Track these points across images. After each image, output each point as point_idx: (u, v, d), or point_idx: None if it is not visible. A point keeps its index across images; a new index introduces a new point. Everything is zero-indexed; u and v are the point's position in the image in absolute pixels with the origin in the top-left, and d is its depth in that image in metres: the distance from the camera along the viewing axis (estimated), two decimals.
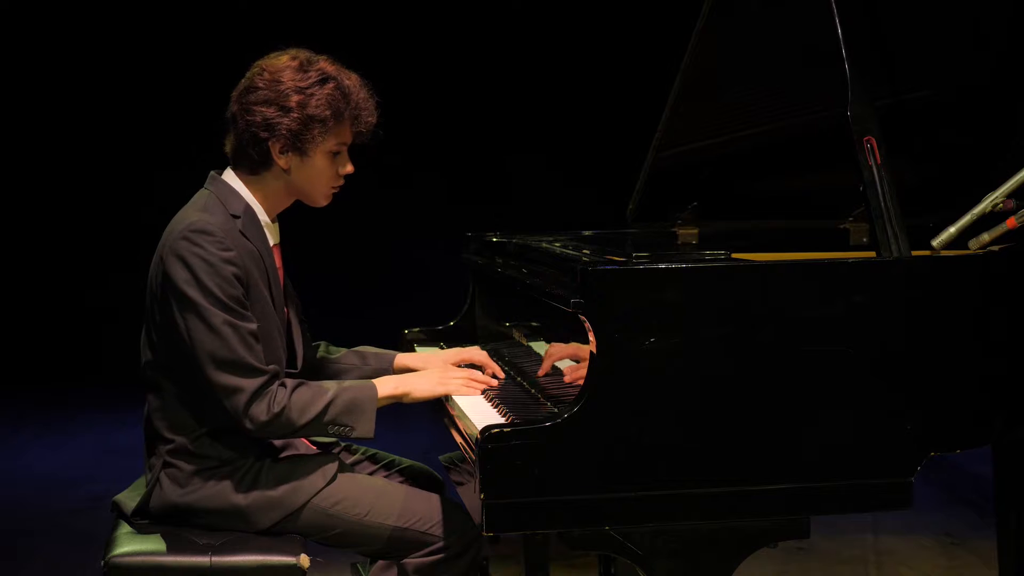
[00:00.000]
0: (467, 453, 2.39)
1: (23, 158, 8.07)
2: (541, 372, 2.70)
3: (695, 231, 3.18)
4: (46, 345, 8.04)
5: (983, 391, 2.37)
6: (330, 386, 2.52)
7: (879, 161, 2.38)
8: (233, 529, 2.54)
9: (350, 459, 2.82)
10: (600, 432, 2.17)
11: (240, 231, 2.53)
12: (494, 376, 2.79)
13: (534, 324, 2.96)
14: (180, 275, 2.43)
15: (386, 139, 2.68)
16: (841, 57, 2.44)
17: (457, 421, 2.53)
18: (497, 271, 3.08)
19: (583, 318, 2.20)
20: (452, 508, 2.62)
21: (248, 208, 2.57)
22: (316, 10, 7.87)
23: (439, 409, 2.72)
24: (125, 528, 2.58)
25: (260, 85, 2.52)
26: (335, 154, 2.59)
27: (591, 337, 2.19)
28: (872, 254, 2.38)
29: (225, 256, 2.45)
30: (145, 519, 2.58)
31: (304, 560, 2.48)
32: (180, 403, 2.54)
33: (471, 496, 2.32)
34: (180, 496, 2.53)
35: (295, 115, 2.50)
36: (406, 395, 2.60)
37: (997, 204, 2.40)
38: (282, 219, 2.69)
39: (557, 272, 2.48)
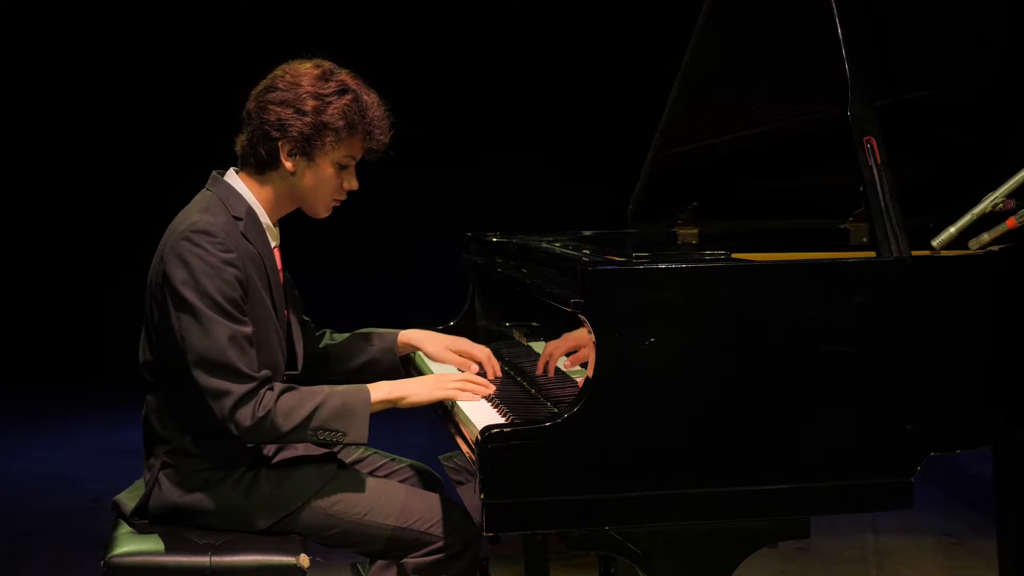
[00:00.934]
0: (467, 453, 2.39)
1: (23, 158, 8.07)
2: (539, 371, 2.69)
3: (695, 231, 3.18)
4: (46, 345, 8.03)
5: (983, 391, 2.37)
6: (320, 391, 2.49)
7: (879, 161, 2.37)
8: (233, 529, 2.54)
9: (349, 459, 2.82)
10: (600, 432, 2.17)
11: (242, 233, 2.53)
12: (492, 375, 2.78)
13: (534, 324, 2.96)
14: (178, 275, 2.43)
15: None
16: (841, 57, 2.44)
17: (457, 421, 2.53)
18: (497, 271, 3.07)
19: (583, 318, 2.20)
20: (451, 508, 2.62)
21: (250, 210, 2.57)
22: (319, 11, 7.88)
23: (439, 409, 2.71)
24: (125, 528, 2.58)
25: (280, 86, 2.53)
26: (342, 167, 2.58)
27: (591, 337, 2.19)
28: (872, 254, 2.37)
29: (226, 257, 2.44)
30: (144, 519, 2.58)
31: (304, 560, 2.48)
32: (179, 404, 2.54)
33: (471, 496, 2.31)
34: (179, 496, 2.54)
35: (309, 119, 2.50)
36: (401, 399, 2.58)
37: (997, 204, 2.39)
38: (283, 218, 2.69)
39: (557, 272, 2.48)
